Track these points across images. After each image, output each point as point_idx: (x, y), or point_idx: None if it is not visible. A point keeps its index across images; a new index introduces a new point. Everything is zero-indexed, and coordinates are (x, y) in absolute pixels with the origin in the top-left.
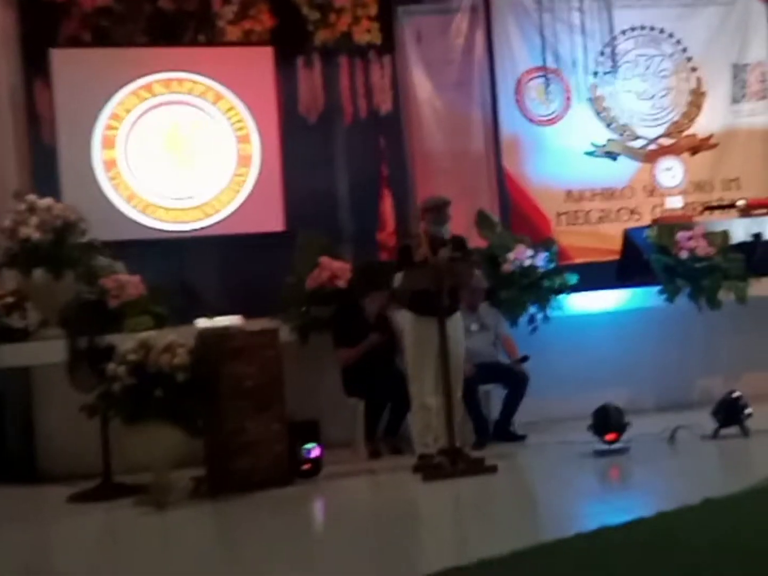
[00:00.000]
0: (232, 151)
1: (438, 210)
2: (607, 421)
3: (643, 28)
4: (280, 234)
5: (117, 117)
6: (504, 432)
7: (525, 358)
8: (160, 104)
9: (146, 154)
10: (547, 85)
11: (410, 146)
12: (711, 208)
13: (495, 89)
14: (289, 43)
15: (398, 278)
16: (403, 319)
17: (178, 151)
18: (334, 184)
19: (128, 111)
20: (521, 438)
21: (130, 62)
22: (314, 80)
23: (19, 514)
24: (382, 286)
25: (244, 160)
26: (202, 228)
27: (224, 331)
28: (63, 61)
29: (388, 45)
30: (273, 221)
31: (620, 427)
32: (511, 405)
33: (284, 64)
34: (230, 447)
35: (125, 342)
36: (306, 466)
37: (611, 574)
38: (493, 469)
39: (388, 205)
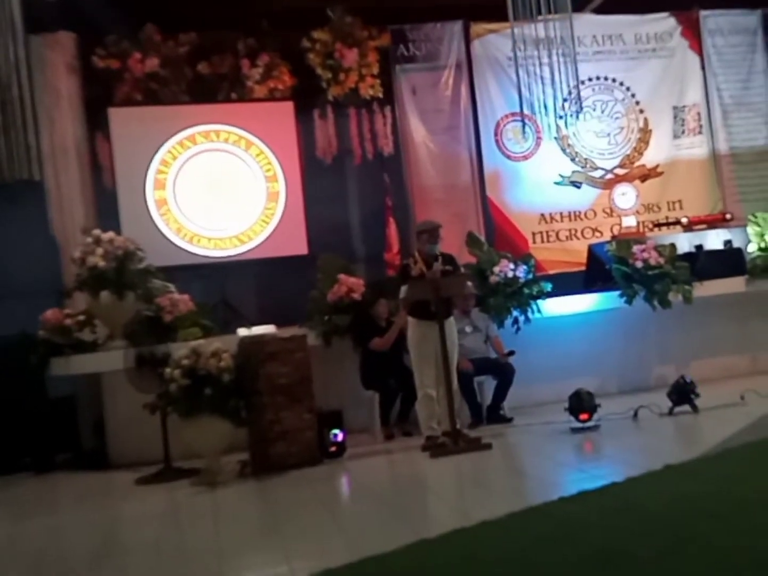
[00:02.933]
0: (262, 189)
1: (430, 232)
2: (581, 404)
3: (599, 78)
4: (304, 257)
5: (166, 163)
6: (495, 415)
7: (511, 353)
8: (201, 151)
9: (191, 193)
10: (523, 127)
11: (410, 181)
12: (659, 225)
13: (478, 132)
14: (307, 97)
15: (403, 290)
16: (408, 323)
17: (218, 190)
18: (347, 214)
19: (175, 158)
20: (509, 420)
21: (175, 117)
22: (328, 128)
23: (95, 495)
24: (390, 297)
25: (272, 196)
26: (239, 254)
27: (261, 338)
28: (119, 117)
29: (389, 97)
30: (298, 246)
31: (592, 409)
32: (500, 393)
33: (303, 116)
34: (269, 435)
35: (179, 350)
36: (332, 449)
37: (590, 531)
38: (488, 447)
39: (393, 231)
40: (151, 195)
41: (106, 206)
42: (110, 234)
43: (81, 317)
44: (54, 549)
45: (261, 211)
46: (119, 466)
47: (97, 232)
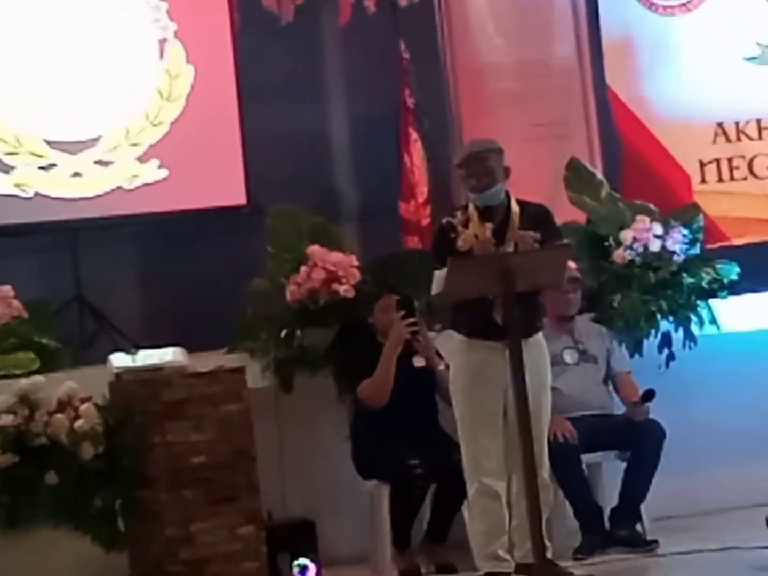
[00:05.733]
0: (151, 65)
1: (472, 164)
2: None
3: None
4: (237, 212)
5: None
6: (625, 531)
7: (649, 395)
8: None
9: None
10: None
11: (451, 57)
12: None
13: None
14: None
15: (437, 279)
16: (448, 347)
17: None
18: (324, 126)
19: None
20: (650, 544)
21: None
22: None
23: None
24: (412, 291)
25: (173, 85)
26: (106, 203)
27: (156, 374)
28: None
29: None
30: (226, 190)
31: None
32: (637, 483)
33: None
34: (171, 566)
35: None
36: None
37: None
38: None
39: (415, 157)
40: None
41: None
42: None
43: None
44: None
45: (148, 110)
46: None
47: None
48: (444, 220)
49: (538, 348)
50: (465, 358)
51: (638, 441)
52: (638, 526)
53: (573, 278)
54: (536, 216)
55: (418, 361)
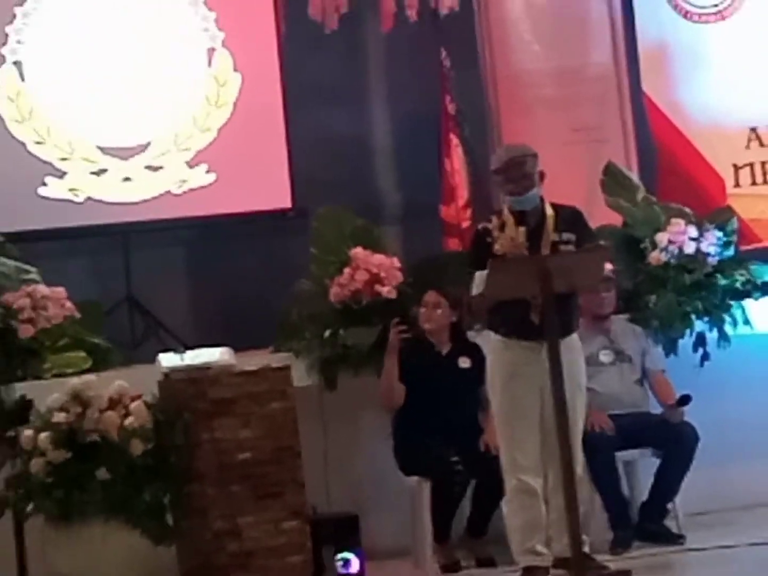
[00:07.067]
0: (200, 73)
1: (510, 169)
2: None
3: None
4: (283, 214)
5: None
6: (656, 526)
7: (685, 400)
8: None
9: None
10: None
11: (490, 64)
12: None
13: None
14: None
15: (477, 281)
16: (486, 347)
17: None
18: (367, 130)
19: None
20: (680, 538)
21: None
22: None
23: None
24: (450, 292)
25: (221, 93)
26: (156, 207)
27: (204, 372)
28: None
29: None
30: (272, 193)
31: None
32: (668, 482)
33: None
34: (218, 559)
35: (47, 395)
36: None
37: None
38: None
39: (456, 161)
40: None
41: None
42: None
43: None
44: None
45: (196, 116)
46: None
47: None
48: (480, 226)
49: (573, 348)
50: (502, 357)
51: (672, 442)
52: (669, 522)
53: (606, 277)
54: (570, 218)
55: (463, 362)
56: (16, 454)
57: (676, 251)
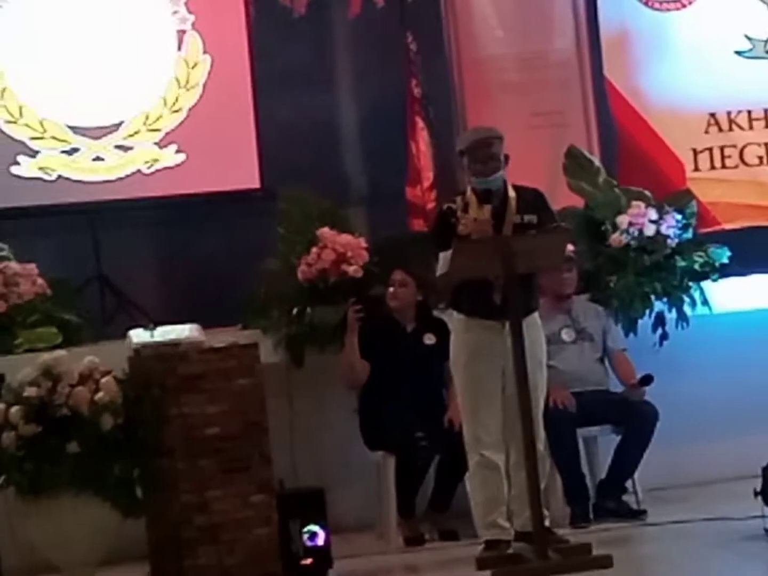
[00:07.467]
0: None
1: (477, 150)
2: None
3: None
4: (251, 194)
5: None
6: (614, 503)
7: (647, 380)
8: None
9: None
10: None
11: (455, 49)
12: None
13: None
14: None
15: (442, 261)
16: (450, 325)
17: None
18: (334, 114)
19: None
20: (640, 513)
21: None
22: None
23: None
24: (418, 270)
25: (191, 74)
26: (126, 186)
27: (173, 349)
28: None
29: None
30: (240, 173)
31: None
32: (627, 458)
33: None
34: (186, 532)
35: (18, 369)
36: (306, 561)
37: None
38: (604, 563)
39: (421, 144)
40: None
41: None
42: None
43: None
44: None
45: (167, 97)
46: None
47: None
48: (444, 206)
49: (534, 327)
50: (465, 336)
51: (632, 420)
52: (628, 497)
53: (567, 258)
54: (532, 200)
55: (429, 339)
56: None
57: (636, 233)
